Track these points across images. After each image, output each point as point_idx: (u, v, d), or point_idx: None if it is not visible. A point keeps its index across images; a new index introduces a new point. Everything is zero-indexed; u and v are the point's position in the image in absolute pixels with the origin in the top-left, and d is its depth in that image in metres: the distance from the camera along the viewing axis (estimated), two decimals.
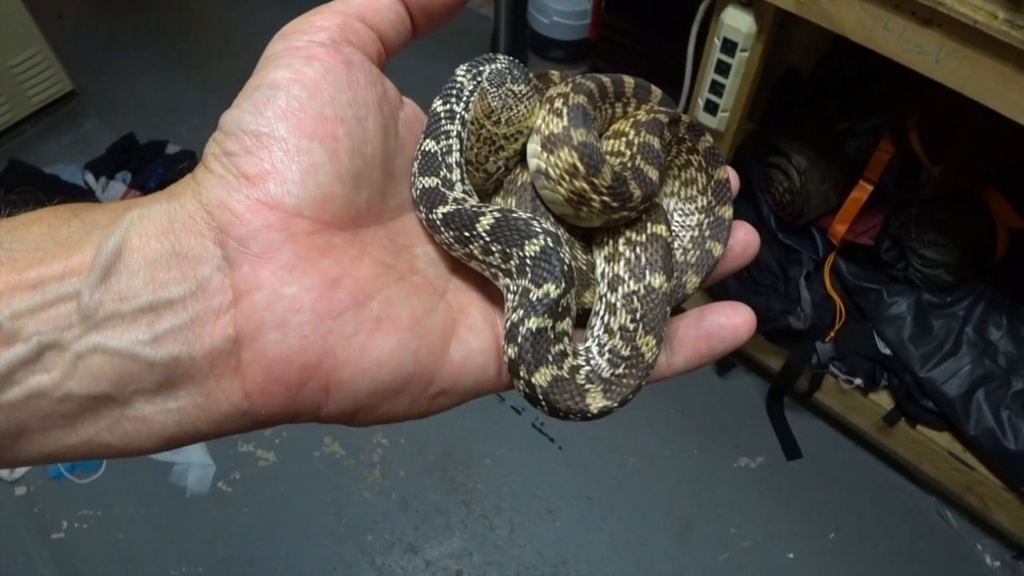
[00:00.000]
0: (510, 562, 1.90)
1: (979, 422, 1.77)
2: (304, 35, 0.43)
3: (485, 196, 0.53)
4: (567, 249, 0.47)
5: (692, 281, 0.55)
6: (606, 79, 0.54)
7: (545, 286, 0.44)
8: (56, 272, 0.37)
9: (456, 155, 0.51)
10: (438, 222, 0.47)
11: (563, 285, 0.45)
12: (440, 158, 0.49)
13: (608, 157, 0.51)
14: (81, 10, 3.23)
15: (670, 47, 1.93)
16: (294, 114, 0.40)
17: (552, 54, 2.32)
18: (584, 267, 0.53)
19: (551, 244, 0.45)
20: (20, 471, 1.99)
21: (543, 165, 0.49)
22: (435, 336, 0.43)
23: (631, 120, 0.54)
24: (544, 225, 0.47)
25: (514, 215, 0.47)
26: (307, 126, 0.40)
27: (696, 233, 0.56)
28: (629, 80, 0.56)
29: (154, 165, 2.56)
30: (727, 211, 0.56)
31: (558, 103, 0.50)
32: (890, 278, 1.91)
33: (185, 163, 2.53)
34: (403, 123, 0.48)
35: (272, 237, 0.38)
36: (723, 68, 1.56)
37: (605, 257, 0.53)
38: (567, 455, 2.05)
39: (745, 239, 0.55)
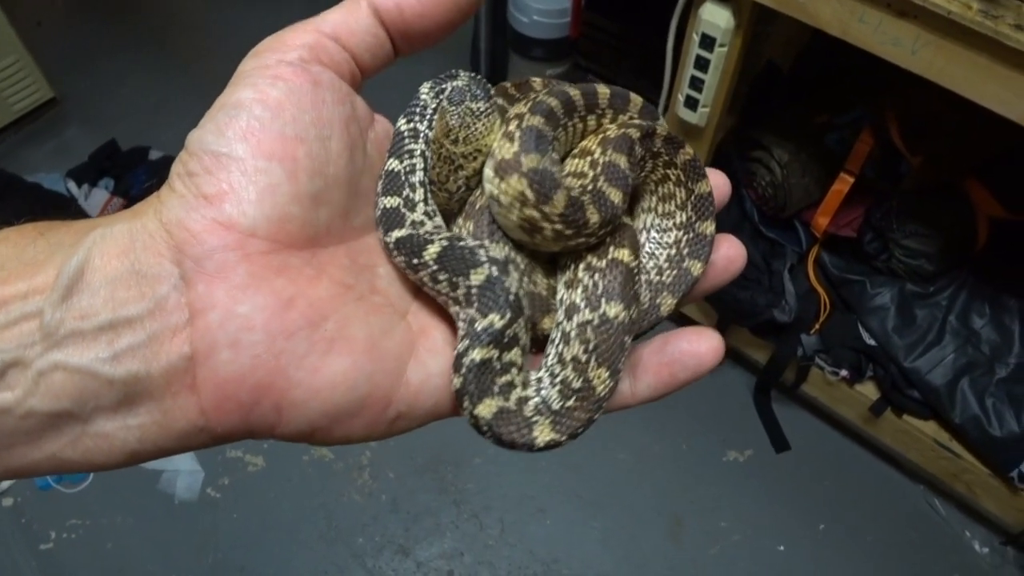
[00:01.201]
0: (501, 561, 1.90)
1: (964, 410, 1.79)
2: (275, 54, 0.43)
3: (450, 216, 0.52)
4: (516, 277, 0.46)
5: (667, 303, 0.53)
6: (574, 92, 0.51)
7: (490, 316, 0.44)
8: (20, 291, 0.38)
9: (420, 174, 0.50)
10: (391, 245, 0.47)
11: (508, 315, 0.44)
12: (403, 177, 0.49)
13: (566, 180, 0.50)
14: (60, 17, 3.21)
15: (650, 44, 1.93)
16: (254, 135, 0.40)
17: (533, 53, 2.32)
18: (545, 292, 0.51)
19: (496, 273, 0.45)
20: (6, 483, 1.98)
21: (495, 191, 0.48)
22: (392, 358, 0.43)
23: (600, 137, 0.52)
24: (492, 253, 0.46)
25: (461, 243, 0.46)
26: (266, 147, 0.40)
27: (674, 251, 0.54)
28: (604, 90, 0.53)
29: (137, 171, 2.55)
30: (708, 226, 0.53)
31: (512, 126, 0.48)
32: (873, 269, 1.92)
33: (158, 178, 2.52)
34: (373, 141, 0.49)
35: (227, 257, 0.38)
36: (702, 64, 1.56)
37: (565, 283, 0.51)
38: (556, 453, 2.03)
39: (728, 254, 0.53)
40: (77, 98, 2.87)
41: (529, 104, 0.49)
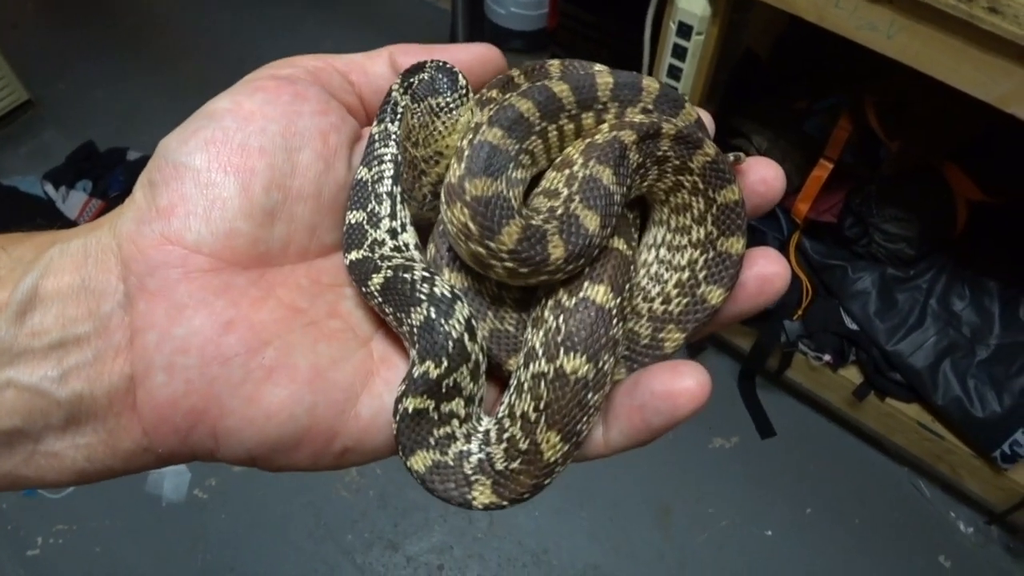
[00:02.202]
0: (491, 553, 1.90)
1: (946, 392, 1.80)
2: (274, 68, 0.44)
3: (427, 228, 0.47)
4: (460, 318, 0.41)
5: (673, 338, 0.44)
6: (561, 87, 0.43)
7: (426, 363, 0.40)
8: None
9: (388, 183, 0.46)
10: (347, 267, 0.44)
11: (444, 364, 0.40)
12: (370, 187, 0.45)
13: (530, 206, 0.43)
14: (35, 19, 3.17)
15: (628, 33, 1.93)
16: (215, 145, 0.39)
17: (511, 45, 2.32)
18: (514, 329, 0.45)
19: (433, 315, 0.40)
20: None
21: (444, 218, 0.42)
22: (339, 390, 0.40)
23: (586, 142, 0.44)
24: (436, 288, 0.41)
25: (403, 275, 0.42)
26: (224, 157, 0.39)
27: (686, 275, 0.45)
28: (605, 80, 0.44)
29: (115, 172, 2.52)
30: (734, 243, 0.44)
31: (464, 141, 0.42)
32: (854, 254, 1.93)
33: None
34: (360, 153, 0.47)
35: (168, 275, 0.38)
36: (680, 52, 1.56)
37: (532, 320, 0.43)
38: None
39: (762, 273, 0.44)
40: (53, 100, 2.85)
41: (494, 110, 0.42)
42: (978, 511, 1.98)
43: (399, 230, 0.46)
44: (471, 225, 0.39)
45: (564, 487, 2.01)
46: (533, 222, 0.41)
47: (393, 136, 0.46)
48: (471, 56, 0.48)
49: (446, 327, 0.40)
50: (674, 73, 1.60)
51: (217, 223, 0.39)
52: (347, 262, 0.44)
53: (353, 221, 0.44)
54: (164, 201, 0.39)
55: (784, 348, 1.95)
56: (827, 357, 1.91)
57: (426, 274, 0.42)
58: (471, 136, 0.41)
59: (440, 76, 0.45)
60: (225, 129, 0.40)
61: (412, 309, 0.41)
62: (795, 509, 1.98)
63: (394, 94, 0.47)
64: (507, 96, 0.43)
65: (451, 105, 0.44)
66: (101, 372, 0.38)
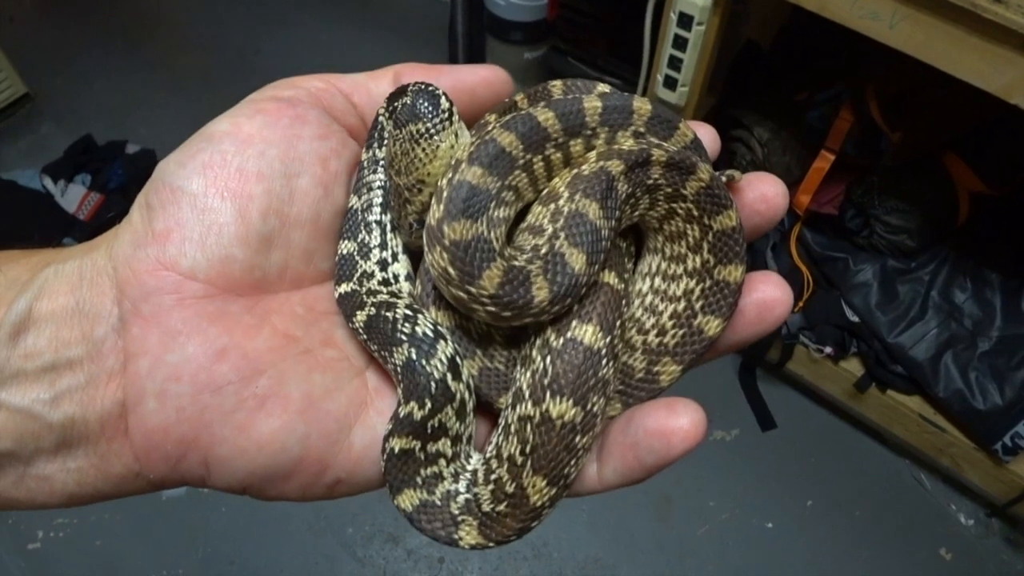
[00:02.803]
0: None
1: (948, 384, 1.80)
2: (274, 89, 0.43)
3: (419, 255, 0.45)
4: (443, 359, 0.40)
5: (668, 371, 0.43)
6: (546, 115, 0.41)
7: (410, 404, 0.39)
8: None
9: (376, 211, 0.45)
10: (337, 301, 0.43)
11: (428, 406, 0.39)
12: (360, 216, 0.44)
13: (511, 247, 0.42)
14: (32, 13, 3.16)
15: (628, 24, 1.93)
16: (213, 169, 0.39)
17: (511, 36, 2.30)
18: (503, 366, 0.44)
19: (414, 356, 0.39)
20: None
21: (427, 261, 0.41)
22: (332, 420, 0.40)
23: (572, 174, 0.42)
24: (418, 328, 0.40)
25: (386, 313, 0.41)
26: (221, 182, 0.39)
27: (682, 306, 0.44)
28: (593, 104, 0.42)
29: (114, 166, 2.51)
30: (732, 271, 0.42)
31: (444, 180, 0.40)
32: (855, 246, 1.92)
33: (136, 172, 2.48)
34: None
35: (163, 300, 0.37)
36: (680, 43, 1.55)
37: (521, 358, 0.42)
38: None
39: (762, 299, 0.43)
40: (51, 94, 2.84)
41: (472, 147, 0.40)
42: (979, 503, 1.98)
43: (389, 260, 0.45)
44: (451, 270, 0.39)
45: None
46: (516, 263, 0.39)
47: (380, 162, 0.45)
48: (476, 79, 0.46)
49: (427, 368, 0.39)
50: (674, 64, 1.60)
51: (213, 249, 0.38)
52: (337, 295, 0.43)
53: (344, 252, 0.44)
54: (160, 225, 0.38)
55: (785, 340, 1.95)
56: (828, 349, 1.90)
57: (408, 312, 0.41)
58: (450, 175, 0.40)
59: (421, 100, 0.43)
60: (223, 152, 0.39)
61: (394, 349, 0.40)
62: (796, 501, 1.98)
63: (380, 119, 0.46)
64: (489, 129, 0.41)
65: (431, 131, 0.42)
66: (93, 396, 0.37)
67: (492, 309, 0.39)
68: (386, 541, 1.90)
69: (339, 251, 0.44)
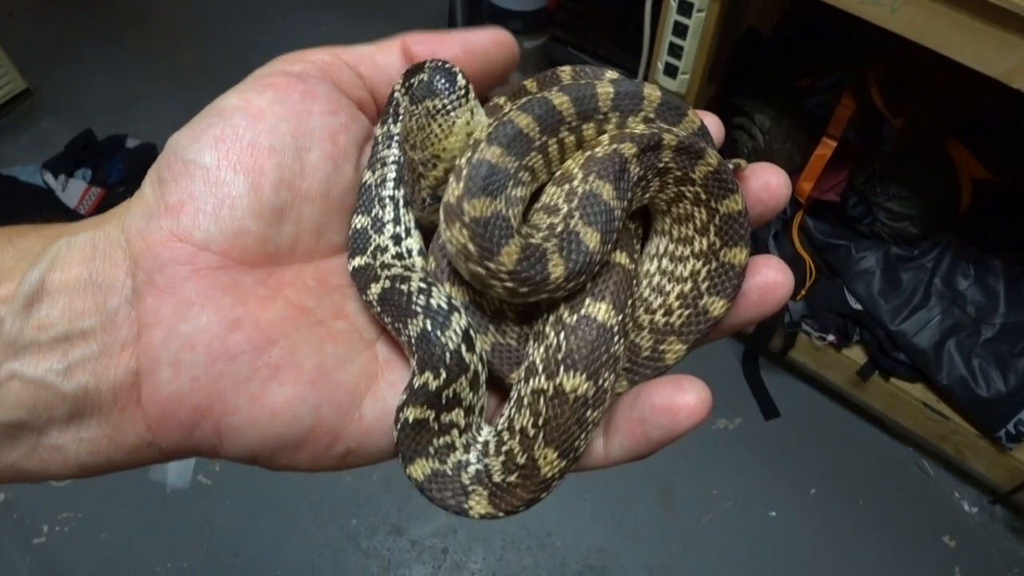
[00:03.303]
0: (495, 536, 1.90)
1: (951, 371, 1.79)
2: (283, 64, 0.43)
3: (431, 231, 0.46)
4: (457, 330, 0.41)
5: (674, 349, 0.44)
6: (561, 99, 0.42)
7: (425, 374, 0.40)
8: None
9: (390, 186, 0.45)
10: (351, 274, 0.44)
11: (443, 376, 0.40)
12: (374, 191, 0.45)
13: (528, 226, 0.43)
14: (31, 8, 3.16)
15: (628, 11, 1.92)
16: (225, 143, 0.39)
17: (510, 26, 2.29)
18: (515, 342, 0.44)
19: (429, 328, 0.40)
20: None
21: (444, 237, 0.41)
22: (344, 390, 0.40)
23: (586, 156, 0.43)
24: (432, 300, 0.41)
25: (400, 286, 0.41)
26: (234, 156, 0.39)
27: (689, 287, 0.45)
28: (606, 89, 0.43)
29: (114, 160, 2.51)
30: (738, 254, 0.43)
31: (463, 159, 0.41)
32: (858, 233, 1.92)
33: (136, 166, 2.48)
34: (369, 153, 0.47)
35: (177, 272, 0.38)
36: (681, 30, 1.55)
37: (534, 334, 0.43)
38: None
39: (765, 282, 0.44)
40: (51, 89, 2.84)
41: (491, 127, 0.41)
42: (982, 491, 1.98)
43: (403, 235, 0.46)
44: (470, 246, 0.39)
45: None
46: (532, 240, 0.40)
47: (395, 138, 0.46)
48: (487, 40, 0.47)
49: (443, 338, 0.40)
50: (675, 51, 1.59)
51: (226, 221, 0.39)
52: (351, 268, 0.44)
53: (358, 226, 0.44)
54: (173, 198, 0.39)
55: (788, 328, 1.95)
56: (831, 337, 1.90)
57: (423, 285, 0.42)
58: (470, 154, 0.41)
59: (438, 77, 0.43)
60: (235, 127, 0.40)
61: (409, 320, 0.40)
62: (799, 489, 1.98)
63: (396, 95, 0.46)
64: (507, 111, 0.42)
65: (448, 107, 0.43)
66: (107, 366, 0.38)
67: (510, 285, 0.40)
68: (390, 532, 1.91)
69: (353, 225, 0.44)
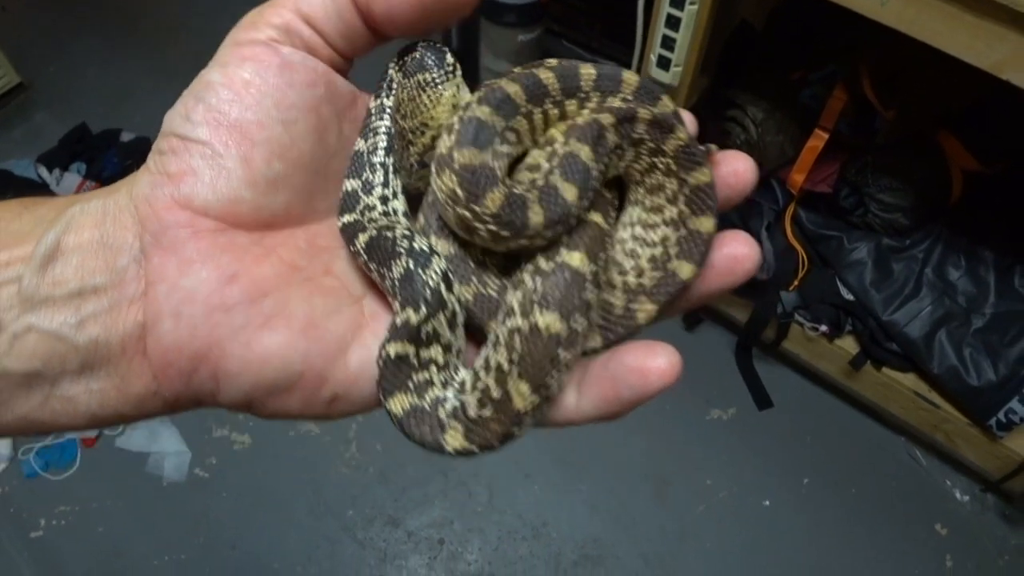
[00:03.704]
0: (491, 527, 1.92)
1: (942, 361, 1.81)
2: (249, 31, 0.45)
3: (416, 198, 0.50)
4: (438, 270, 0.44)
5: (645, 309, 0.46)
6: (548, 75, 0.46)
7: (406, 310, 0.43)
8: (3, 260, 0.41)
9: (381, 154, 0.49)
10: (340, 230, 0.47)
11: (423, 311, 0.43)
12: (366, 158, 0.48)
13: (513, 177, 0.46)
14: (24, 1, 3.15)
15: (621, 4, 1.92)
16: (215, 119, 0.42)
17: (505, 19, 2.30)
18: (496, 294, 0.47)
19: (412, 266, 0.43)
20: None
21: (434, 186, 0.45)
22: (332, 339, 0.43)
23: (569, 124, 0.46)
24: (415, 244, 0.44)
25: (386, 234, 0.45)
26: (224, 131, 0.42)
27: (659, 251, 0.47)
28: (588, 71, 0.47)
29: (109, 154, 2.51)
30: (705, 223, 0.46)
31: (455, 117, 0.44)
32: (850, 225, 1.93)
33: (131, 160, 2.48)
34: (353, 122, 0.49)
35: (179, 234, 0.41)
36: (673, 22, 1.55)
37: (513, 283, 0.46)
38: None
39: (732, 253, 0.46)
40: (45, 83, 2.83)
41: (483, 91, 0.45)
42: (974, 479, 2.00)
43: (390, 197, 0.49)
44: (458, 191, 0.42)
45: (563, 461, 2.03)
46: (515, 191, 0.43)
47: (387, 110, 0.49)
48: None
49: (424, 276, 0.43)
50: (668, 44, 1.60)
51: (222, 191, 0.42)
52: (340, 224, 0.47)
53: (349, 189, 0.48)
54: (174, 168, 0.42)
55: (780, 319, 1.96)
56: (823, 328, 1.91)
57: (407, 232, 0.45)
58: (461, 113, 0.44)
59: (429, 54, 0.47)
60: (224, 102, 0.42)
61: (393, 263, 0.43)
62: (792, 479, 2.00)
63: (390, 72, 0.50)
64: (497, 80, 0.46)
65: (436, 80, 0.47)
66: (116, 320, 0.41)
67: (492, 228, 0.42)
68: (386, 523, 1.92)
69: (344, 188, 0.48)
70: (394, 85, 0.49)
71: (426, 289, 0.43)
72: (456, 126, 0.43)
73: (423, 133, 0.47)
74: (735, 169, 0.47)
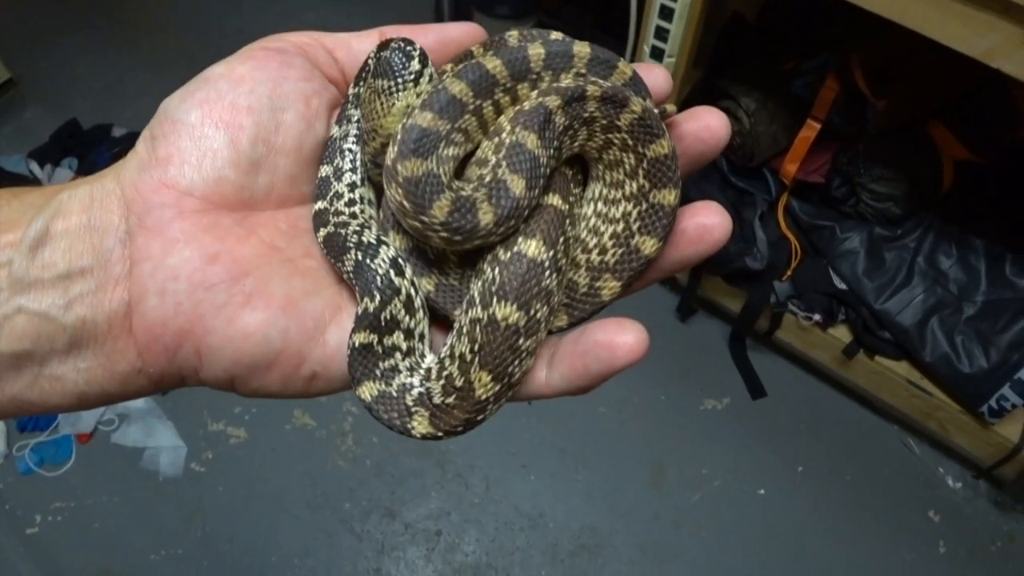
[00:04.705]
0: (488, 518, 1.92)
1: (934, 349, 1.82)
2: (265, 42, 0.48)
3: (381, 189, 0.49)
4: (384, 259, 0.45)
5: (610, 286, 0.47)
6: (494, 63, 0.46)
7: (364, 300, 0.44)
8: None
9: (351, 140, 0.50)
10: (311, 218, 0.48)
11: (378, 298, 0.44)
12: (338, 143, 0.49)
13: (459, 180, 0.47)
14: None
15: None
16: (208, 103, 0.44)
17: (497, 11, 2.30)
18: (458, 283, 0.48)
19: (361, 258, 0.45)
20: None
21: (387, 195, 0.45)
22: (310, 318, 0.44)
23: (515, 110, 0.46)
24: (363, 238, 0.45)
25: (340, 230, 0.46)
26: (216, 115, 0.44)
27: (621, 227, 0.47)
28: (538, 51, 0.46)
29: (100, 149, 2.51)
30: (667, 195, 0.45)
31: (399, 126, 0.45)
32: (842, 214, 1.94)
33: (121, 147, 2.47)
34: None
35: (163, 214, 0.43)
36: (667, 13, 1.56)
37: (476, 272, 0.47)
38: (537, 409, 2.07)
39: (703, 222, 0.46)
40: (35, 79, 2.82)
41: (426, 95, 0.45)
42: (966, 466, 2.02)
43: (357, 183, 0.50)
44: (405, 203, 0.43)
45: (558, 451, 2.03)
46: (463, 193, 0.44)
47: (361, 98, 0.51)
48: (461, 32, 0.52)
49: (372, 265, 0.45)
50: (661, 35, 1.60)
51: (208, 171, 0.44)
52: (313, 211, 0.49)
53: (323, 175, 0.49)
54: (162, 151, 0.44)
55: (774, 308, 1.97)
56: (816, 317, 1.93)
57: (358, 227, 0.47)
58: (404, 121, 0.45)
59: (394, 59, 0.47)
60: (218, 90, 0.45)
61: (345, 256, 0.45)
62: (787, 468, 2.01)
63: (370, 61, 0.51)
64: (442, 78, 0.46)
65: (392, 89, 0.47)
66: (102, 299, 0.42)
67: (444, 235, 0.44)
68: (383, 516, 1.92)
69: (319, 174, 0.49)
70: (369, 76, 0.50)
71: (376, 277, 0.44)
72: (399, 136, 0.44)
73: (373, 139, 0.48)
74: (707, 124, 0.47)
